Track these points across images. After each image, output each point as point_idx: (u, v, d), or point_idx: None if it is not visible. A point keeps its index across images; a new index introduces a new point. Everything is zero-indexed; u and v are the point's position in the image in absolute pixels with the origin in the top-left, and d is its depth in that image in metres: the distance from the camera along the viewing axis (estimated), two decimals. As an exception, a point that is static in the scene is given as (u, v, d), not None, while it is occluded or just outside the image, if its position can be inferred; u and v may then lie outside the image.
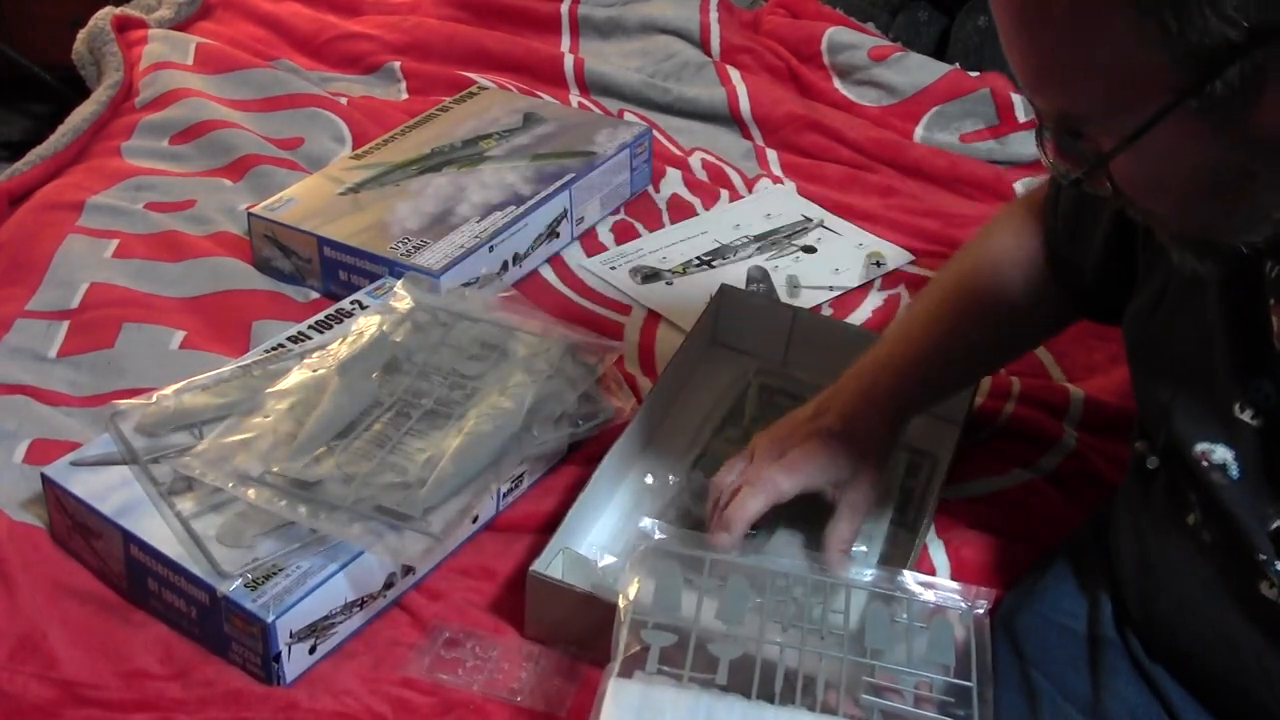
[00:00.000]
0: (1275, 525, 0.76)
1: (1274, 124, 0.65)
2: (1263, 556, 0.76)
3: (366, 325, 1.11)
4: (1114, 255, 0.95)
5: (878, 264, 1.39)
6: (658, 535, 0.90)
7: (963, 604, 0.87)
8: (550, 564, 0.93)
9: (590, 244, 1.42)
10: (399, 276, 1.21)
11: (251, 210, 1.32)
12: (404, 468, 0.97)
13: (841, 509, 0.98)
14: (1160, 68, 0.64)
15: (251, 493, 0.93)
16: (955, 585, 0.89)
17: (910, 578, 0.89)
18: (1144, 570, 0.87)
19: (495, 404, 1.03)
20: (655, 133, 1.60)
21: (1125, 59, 0.65)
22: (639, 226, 1.45)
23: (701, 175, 1.57)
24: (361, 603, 0.92)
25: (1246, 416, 0.78)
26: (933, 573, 1.00)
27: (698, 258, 1.39)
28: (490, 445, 1.00)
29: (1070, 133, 0.71)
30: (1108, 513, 0.95)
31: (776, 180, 1.56)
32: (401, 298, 1.16)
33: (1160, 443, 0.85)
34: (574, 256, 1.39)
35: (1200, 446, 0.79)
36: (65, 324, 1.21)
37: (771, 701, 0.80)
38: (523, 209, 1.33)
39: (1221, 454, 0.78)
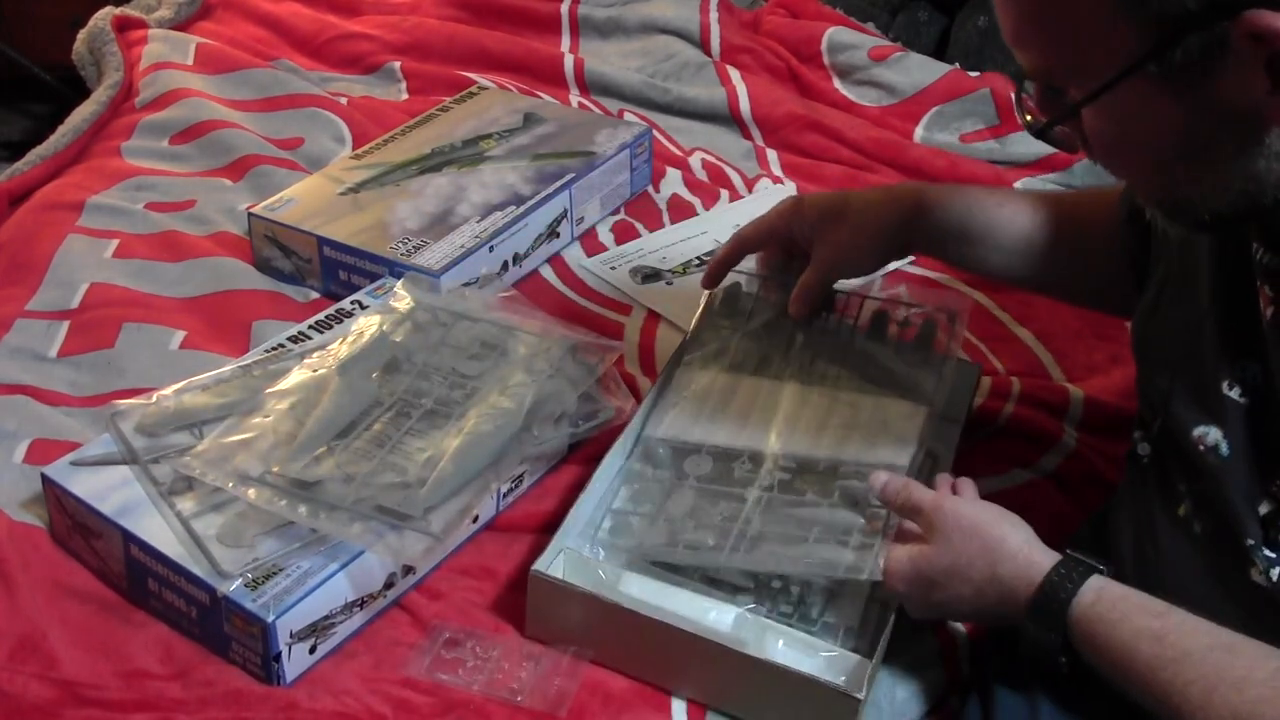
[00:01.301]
0: (1264, 510, 0.76)
1: (1235, 95, 0.67)
2: (1250, 541, 0.77)
3: (366, 325, 1.11)
4: (1133, 245, 0.96)
5: (878, 264, 1.39)
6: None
7: None
8: (551, 564, 0.93)
9: (590, 244, 1.42)
10: (399, 276, 1.21)
11: (251, 210, 1.32)
12: (404, 468, 0.97)
13: (814, 258, 1.06)
14: (1124, 32, 0.67)
15: (251, 493, 0.93)
16: None
17: None
18: (1141, 567, 0.87)
19: (495, 404, 1.03)
20: (655, 133, 1.60)
21: (1092, 21, 0.68)
22: (639, 226, 1.45)
23: (701, 175, 1.57)
24: (361, 603, 0.92)
25: (1235, 395, 0.79)
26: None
27: (698, 258, 1.39)
28: (490, 445, 1.00)
29: (1050, 86, 0.75)
30: (1108, 510, 0.96)
31: (776, 180, 1.56)
32: (401, 298, 1.16)
33: (1155, 430, 0.85)
34: (574, 256, 1.39)
35: (1197, 431, 0.81)
36: (65, 324, 1.21)
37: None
38: (523, 209, 1.33)
39: (1214, 435, 0.80)
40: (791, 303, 1.08)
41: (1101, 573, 0.81)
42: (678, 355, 1.13)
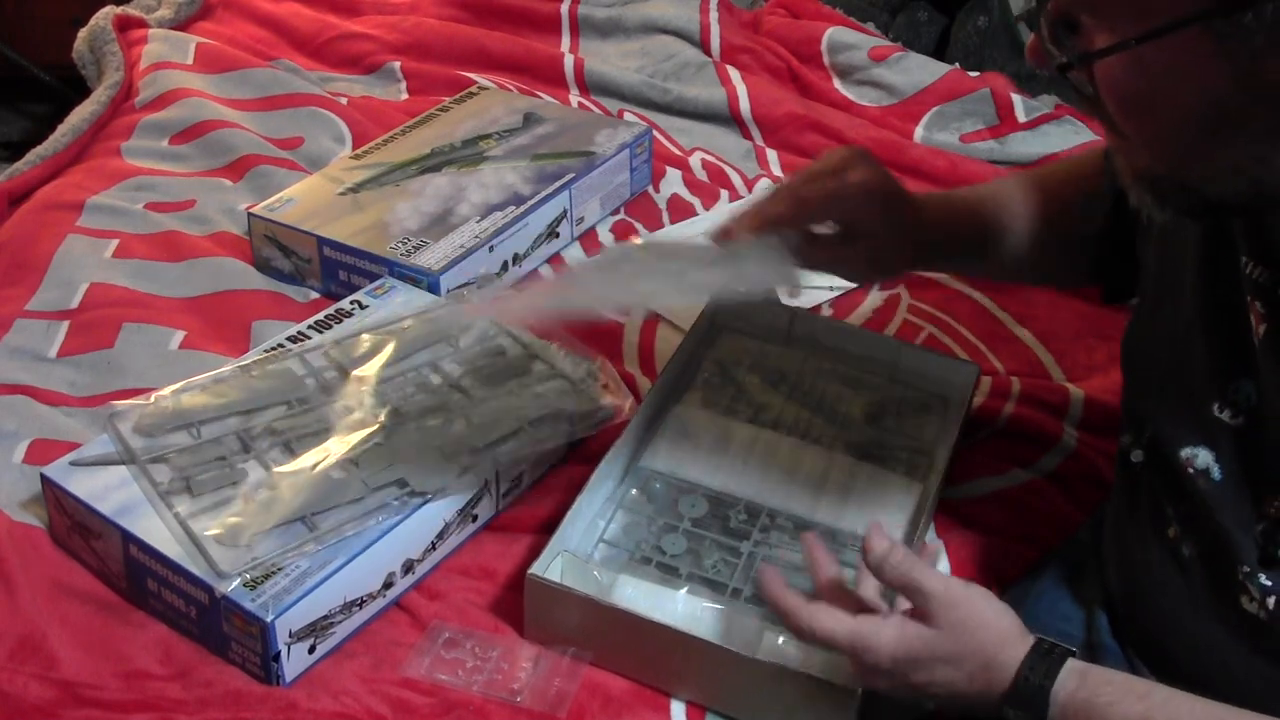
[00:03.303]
0: (1261, 528, 0.75)
1: None
2: (1246, 568, 0.75)
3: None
4: (1119, 232, 0.94)
5: (878, 264, 1.39)
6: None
7: None
8: (549, 566, 0.93)
9: (590, 244, 1.42)
10: (399, 276, 1.22)
11: (251, 210, 1.32)
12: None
13: (849, 255, 0.96)
14: None
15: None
16: None
17: None
18: (1131, 584, 0.86)
19: (495, 405, 1.04)
20: (655, 133, 1.60)
21: None
22: (639, 226, 1.45)
23: (701, 175, 1.57)
24: (360, 602, 0.92)
25: (1225, 416, 0.76)
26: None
27: (698, 258, 1.39)
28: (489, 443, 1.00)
29: (1068, 23, 0.68)
30: (1099, 526, 0.95)
31: (776, 180, 1.56)
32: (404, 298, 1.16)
33: (1145, 438, 0.84)
34: (574, 257, 1.39)
35: (1185, 452, 0.78)
36: (65, 324, 1.20)
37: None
38: (523, 209, 1.33)
39: (1204, 458, 0.77)
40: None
41: (1074, 655, 0.76)
42: (677, 363, 1.14)
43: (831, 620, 0.79)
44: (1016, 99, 1.65)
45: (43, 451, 1.04)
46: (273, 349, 1.12)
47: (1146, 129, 0.69)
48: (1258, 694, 0.74)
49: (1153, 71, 0.66)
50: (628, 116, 1.65)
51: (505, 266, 1.31)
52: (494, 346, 1.12)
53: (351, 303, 1.19)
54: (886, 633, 0.77)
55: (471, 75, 1.70)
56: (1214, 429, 0.77)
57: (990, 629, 0.77)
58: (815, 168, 0.95)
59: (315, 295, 1.29)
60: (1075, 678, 0.74)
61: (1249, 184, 0.68)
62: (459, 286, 1.23)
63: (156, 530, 0.91)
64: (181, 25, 1.78)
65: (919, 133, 1.66)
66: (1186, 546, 0.80)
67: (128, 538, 0.91)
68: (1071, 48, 0.68)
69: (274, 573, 0.88)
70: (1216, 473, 0.77)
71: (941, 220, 1.00)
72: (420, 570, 0.97)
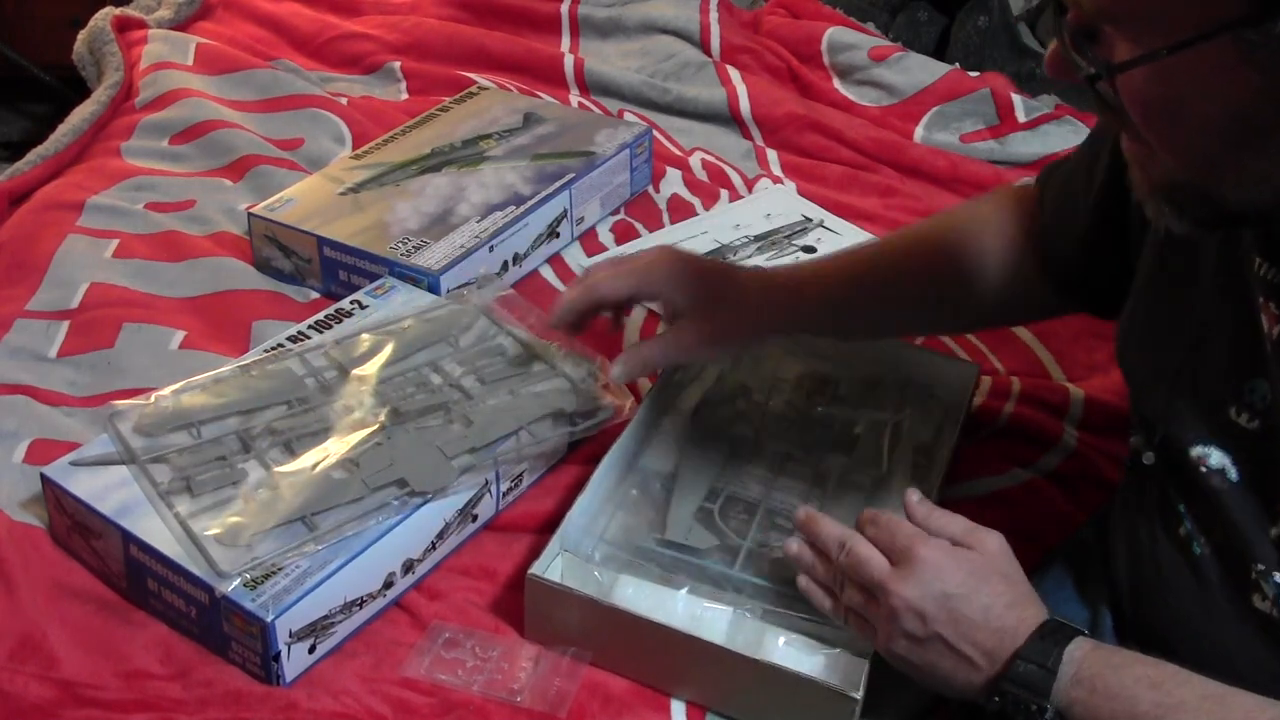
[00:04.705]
0: (1276, 532, 0.74)
1: None
2: (1260, 566, 0.75)
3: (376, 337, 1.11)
4: (1101, 245, 0.93)
5: (878, 264, 1.39)
6: None
7: None
8: (549, 567, 0.93)
9: (590, 244, 1.42)
10: (399, 276, 1.22)
11: (251, 210, 1.32)
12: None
13: (667, 335, 1.02)
14: None
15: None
16: None
17: None
18: (1139, 582, 0.86)
19: (495, 405, 1.04)
20: (655, 133, 1.60)
21: None
22: (639, 226, 1.45)
23: (701, 175, 1.57)
24: (361, 602, 0.92)
25: (1243, 420, 0.76)
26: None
27: (698, 258, 1.39)
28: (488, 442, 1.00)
29: (1087, 33, 0.67)
30: (1108, 515, 0.95)
31: (776, 180, 1.56)
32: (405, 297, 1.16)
33: (1156, 440, 0.84)
34: (574, 256, 1.39)
35: (1196, 451, 0.78)
36: (65, 324, 1.20)
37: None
38: (523, 209, 1.33)
39: (1218, 458, 0.77)
40: (622, 364, 1.01)
41: (1084, 634, 0.78)
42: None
43: (891, 522, 0.83)
44: (1016, 99, 1.65)
45: (43, 451, 1.04)
46: (273, 349, 1.12)
47: (1171, 139, 0.69)
48: (1267, 692, 0.74)
49: (1179, 82, 0.65)
50: (628, 116, 1.65)
51: (505, 266, 1.31)
52: (494, 346, 1.12)
53: (351, 303, 1.19)
54: (941, 551, 0.81)
55: (471, 75, 1.70)
56: (1232, 431, 0.77)
57: (1018, 569, 0.82)
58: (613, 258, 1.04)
59: (315, 295, 1.29)
60: (1089, 643, 0.77)
61: (1272, 193, 0.68)
62: (459, 286, 1.23)
63: (157, 530, 0.91)
64: (181, 25, 1.78)
65: (919, 133, 1.66)
66: (1198, 545, 0.80)
67: (128, 538, 0.91)
68: (1093, 58, 0.67)
69: (274, 572, 0.88)
70: (1234, 474, 0.77)
71: (797, 285, 1.02)
72: (420, 570, 0.97)
